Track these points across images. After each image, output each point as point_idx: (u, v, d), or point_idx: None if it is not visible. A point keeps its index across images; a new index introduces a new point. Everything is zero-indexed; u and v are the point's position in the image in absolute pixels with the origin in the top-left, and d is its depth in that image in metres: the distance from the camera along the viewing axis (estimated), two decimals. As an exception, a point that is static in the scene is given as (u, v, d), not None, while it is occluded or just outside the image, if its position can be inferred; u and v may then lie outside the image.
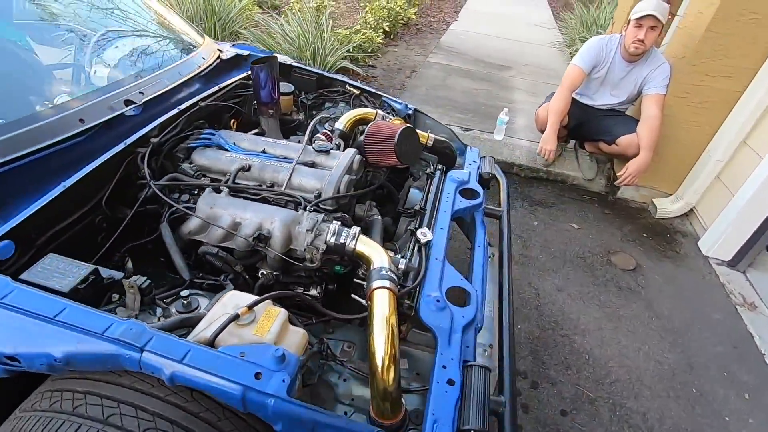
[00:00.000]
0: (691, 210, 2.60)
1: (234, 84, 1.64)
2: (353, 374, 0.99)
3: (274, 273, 1.12)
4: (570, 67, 2.44)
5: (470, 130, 3.11)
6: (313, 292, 1.15)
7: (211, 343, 0.80)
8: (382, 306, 0.93)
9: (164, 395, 0.76)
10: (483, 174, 1.69)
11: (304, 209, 1.14)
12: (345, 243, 1.08)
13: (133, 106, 1.26)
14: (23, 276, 0.83)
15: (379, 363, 0.85)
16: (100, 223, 1.09)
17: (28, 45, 1.40)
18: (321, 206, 1.18)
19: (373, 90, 1.87)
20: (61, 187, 0.99)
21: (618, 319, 1.95)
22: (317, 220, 1.10)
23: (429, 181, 1.56)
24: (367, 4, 4.78)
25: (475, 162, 1.72)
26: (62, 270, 0.86)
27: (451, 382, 0.89)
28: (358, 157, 1.37)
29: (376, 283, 0.97)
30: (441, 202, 1.43)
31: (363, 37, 3.76)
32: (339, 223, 1.12)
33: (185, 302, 0.92)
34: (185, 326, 0.86)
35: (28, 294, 0.78)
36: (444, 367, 0.93)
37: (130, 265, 1.01)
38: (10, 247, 0.88)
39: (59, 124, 1.09)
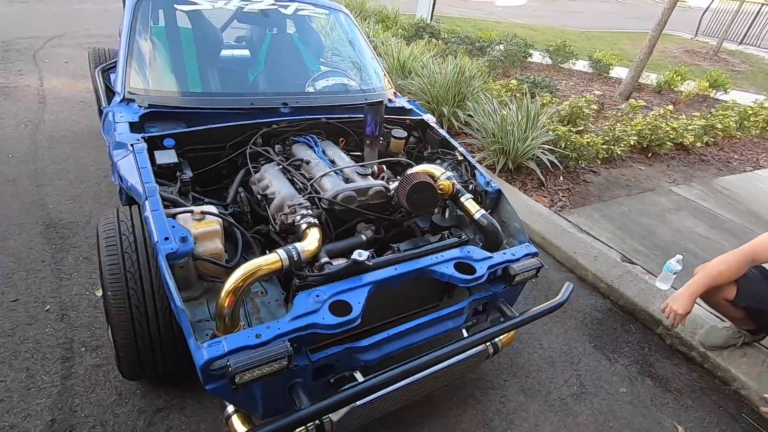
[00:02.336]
0: None
1: (356, 117, 2.18)
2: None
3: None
4: (767, 234, 1.79)
5: (633, 263, 2.61)
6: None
7: (172, 216, 1.37)
8: (261, 261, 1.27)
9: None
10: (510, 270, 1.62)
11: (301, 193, 1.58)
12: (294, 223, 1.46)
13: (285, 106, 2.02)
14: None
15: (223, 291, 1.20)
16: (220, 156, 1.85)
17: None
18: (315, 201, 1.59)
19: (473, 162, 2.04)
20: (216, 125, 1.80)
21: None
22: (296, 205, 1.51)
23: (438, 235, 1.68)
24: (626, 117, 4.50)
25: (514, 255, 1.67)
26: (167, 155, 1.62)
27: (258, 336, 1.15)
28: (375, 189, 1.68)
29: (279, 251, 1.31)
30: (424, 252, 1.55)
31: (581, 140, 3.64)
32: (306, 213, 1.49)
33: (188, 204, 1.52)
34: (176, 205, 1.46)
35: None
36: (268, 327, 1.19)
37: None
38: (171, 141, 1.72)
39: (240, 99, 1.95)
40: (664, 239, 2.94)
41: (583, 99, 4.48)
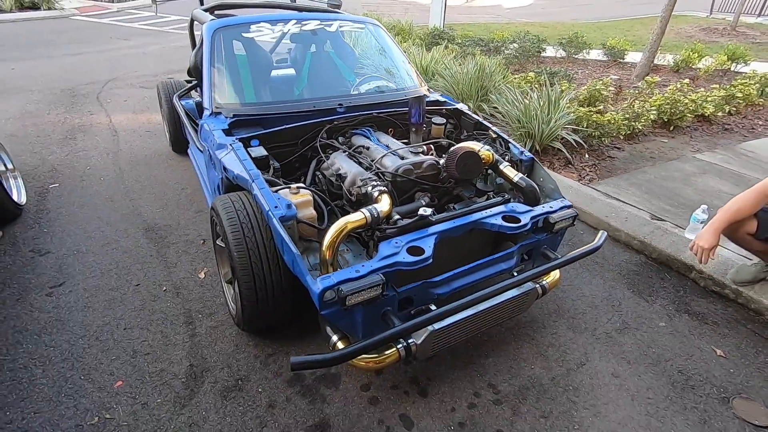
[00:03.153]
0: None
1: (400, 110, 2.52)
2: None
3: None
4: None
5: (662, 220, 2.83)
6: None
7: (275, 191, 1.73)
8: (349, 219, 1.61)
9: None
10: (549, 219, 1.92)
11: (368, 171, 1.93)
12: (368, 193, 1.80)
13: (341, 106, 2.40)
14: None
15: (325, 243, 1.55)
16: (293, 151, 2.23)
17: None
18: (380, 175, 1.93)
19: (505, 137, 2.35)
20: (289, 126, 2.18)
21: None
22: (367, 178, 1.86)
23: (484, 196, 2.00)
24: (643, 94, 4.69)
25: (552, 207, 1.97)
26: (258, 150, 2.00)
27: (357, 271, 1.49)
28: (428, 162, 2.01)
29: (362, 210, 1.65)
30: (476, 209, 1.86)
31: (602, 118, 3.87)
32: (376, 183, 1.83)
33: (285, 182, 1.90)
34: (273, 185, 1.83)
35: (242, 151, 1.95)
36: (363, 266, 1.52)
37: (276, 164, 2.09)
38: (256, 141, 2.11)
39: (304, 103, 2.33)
40: (691, 198, 3.13)
41: (600, 82, 4.72)
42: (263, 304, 1.75)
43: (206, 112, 2.34)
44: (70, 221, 2.84)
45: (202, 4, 3.51)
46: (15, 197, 2.83)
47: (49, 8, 11.51)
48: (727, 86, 5.29)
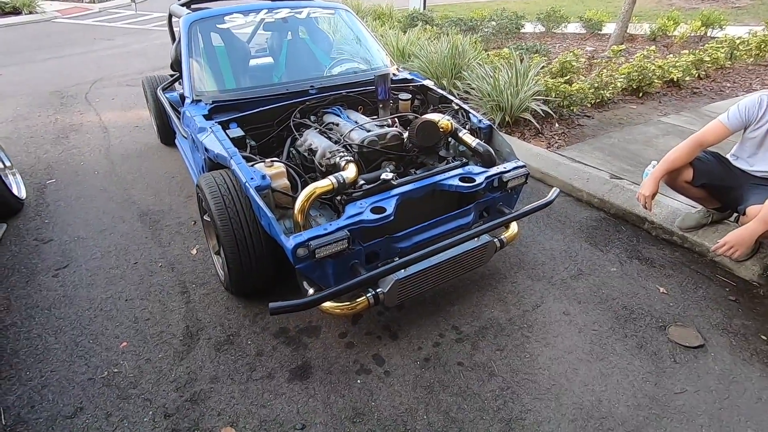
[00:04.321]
0: None
1: (369, 89, 2.70)
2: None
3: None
4: (713, 121, 2.20)
5: (620, 178, 3.04)
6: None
7: (251, 165, 1.93)
8: (317, 185, 1.81)
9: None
10: (503, 178, 2.13)
11: (336, 144, 2.12)
12: (336, 163, 1.99)
13: (312, 88, 2.58)
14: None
15: (296, 207, 1.75)
16: (269, 132, 2.42)
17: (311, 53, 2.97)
18: (348, 147, 2.12)
19: (466, 108, 2.54)
20: (264, 108, 2.36)
21: (610, 368, 1.84)
22: (335, 150, 2.05)
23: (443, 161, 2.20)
24: (610, 63, 4.85)
25: (505, 168, 2.17)
26: (235, 131, 2.19)
27: (325, 229, 1.70)
28: (392, 133, 2.20)
29: (329, 177, 1.85)
30: (435, 172, 2.06)
31: (571, 89, 4.06)
32: (344, 154, 2.02)
33: (260, 158, 2.09)
34: (250, 161, 2.02)
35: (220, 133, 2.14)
36: (330, 224, 1.73)
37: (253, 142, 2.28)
38: (234, 124, 2.30)
39: (278, 87, 2.52)
40: (650, 158, 3.33)
41: (572, 54, 4.88)
42: (247, 267, 1.96)
43: (187, 100, 2.52)
44: (69, 212, 3.04)
45: (178, -1, 3.66)
46: (15, 192, 3.02)
47: (30, 12, 11.51)
48: (696, 51, 5.45)
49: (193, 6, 3.37)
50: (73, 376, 1.82)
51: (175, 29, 3.71)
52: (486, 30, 7.14)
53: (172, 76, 3.93)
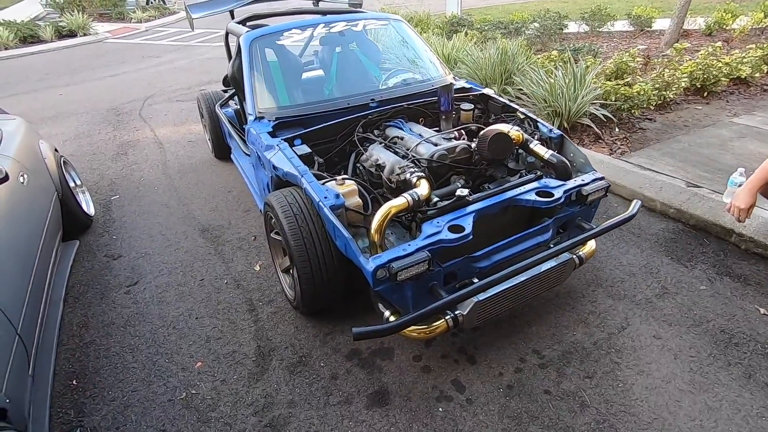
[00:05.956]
0: None
1: (429, 100, 2.63)
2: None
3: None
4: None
5: (698, 186, 2.82)
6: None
7: (323, 184, 1.90)
8: (392, 204, 1.75)
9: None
10: (582, 191, 2.00)
11: (404, 159, 2.06)
12: (406, 179, 1.93)
13: (373, 101, 2.54)
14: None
15: (373, 226, 1.70)
16: (333, 146, 2.39)
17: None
18: (417, 162, 2.06)
19: (533, 117, 2.43)
20: (328, 123, 2.34)
21: (717, 401, 1.68)
22: (405, 166, 1.99)
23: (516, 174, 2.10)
24: (672, 62, 4.58)
25: (583, 180, 2.05)
26: (302, 149, 2.18)
27: (404, 250, 1.63)
28: (461, 146, 2.12)
29: (404, 194, 1.79)
30: (510, 187, 1.97)
31: (630, 91, 3.84)
32: (414, 170, 1.96)
33: (329, 175, 2.06)
34: (320, 179, 1.99)
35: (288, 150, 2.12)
36: (410, 245, 1.67)
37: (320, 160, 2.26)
38: (299, 140, 2.28)
39: (339, 101, 2.49)
40: (728, 163, 3.10)
41: (627, 54, 4.65)
42: (320, 287, 1.93)
43: (250, 118, 2.54)
44: (134, 227, 3.13)
45: (233, 17, 3.73)
46: (85, 209, 3.15)
47: (85, 34, 12.20)
48: (764, 45, 5.08)
49: (249, 23, 3.42)
50: (153, 396, 1.83)
51: (231, 46, 3.78)
52: (529, 32, 6.95)
53: (225, 91, 4.02)
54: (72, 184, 3.23)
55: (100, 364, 2.01)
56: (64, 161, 3.10)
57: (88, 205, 3.24)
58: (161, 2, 16.23)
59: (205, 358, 2.00)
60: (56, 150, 3.11)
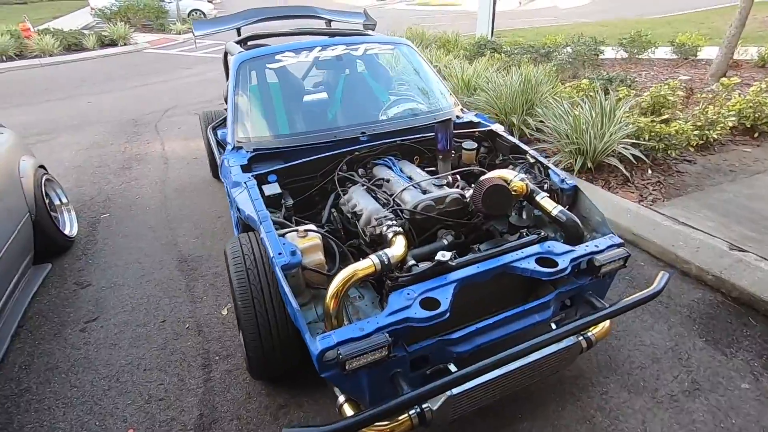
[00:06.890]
0: None
1: (428, 136, 2.33)
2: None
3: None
4: None
5: (744, 251, 2.38)
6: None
7: (282, 235, 1.63)
8: (357, 267, 1.46)
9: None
10: (594, 261, 1.64)
11: (385, 208, 1.77)
12: (382, 233, 1.64)
13: (364, 135, 2.27)
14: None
15: (329, 294, 1.41)
16: (313, 184, 2.14)
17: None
18: (398, 213, 1.76)
19: (544, 162, 2.10)
20: (307, 159, 2.09)
21: None
22: (382, 217, 1.70)
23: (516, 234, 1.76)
24: (718, 98, 4.09)
25: (597, 247, 1.69)
26: (272, 188, 1.92)
27: (361, 329, 1.33)
28: (452, 196, 1.81)
29: (371, 256, 1.50)
30: (505, 250, 1.64)
31: (667, 129, 3.41)
32: (392, 223, 1.67)
33: (292, 225, 1.79)
34: (283, 227, 1.73)
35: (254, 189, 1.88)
36: (368, 322, 1.36)
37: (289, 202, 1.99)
38: (274, 177, 2.04)
39: (325, 134, 2.24)
40: (783, 223, 2.64)
41: (666, 86, 4.21)
42: (270, 354, 1.65)
43: (228, 147, 2.33)
44: (114, 252, 2.96)
45: (239, 34, 3.59)
46: (67, 230, 3.01)
47: (125, 44, 12.67)
48: (828, 82, 4.51)
49: (249, 43, 3.26)
50: (70, 470, 1.59)
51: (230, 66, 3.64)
52: (561, 58, 6.57)
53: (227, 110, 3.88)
54: (57, 202, 3.12)
55: (27, 419, 1.79)
56: (47, 179, 2.98)
57: (71, 226, 3.11)
58: (202, 15, 16.78)
59: (139, 424, 1.75)
60: (42, 167, 3.00)
